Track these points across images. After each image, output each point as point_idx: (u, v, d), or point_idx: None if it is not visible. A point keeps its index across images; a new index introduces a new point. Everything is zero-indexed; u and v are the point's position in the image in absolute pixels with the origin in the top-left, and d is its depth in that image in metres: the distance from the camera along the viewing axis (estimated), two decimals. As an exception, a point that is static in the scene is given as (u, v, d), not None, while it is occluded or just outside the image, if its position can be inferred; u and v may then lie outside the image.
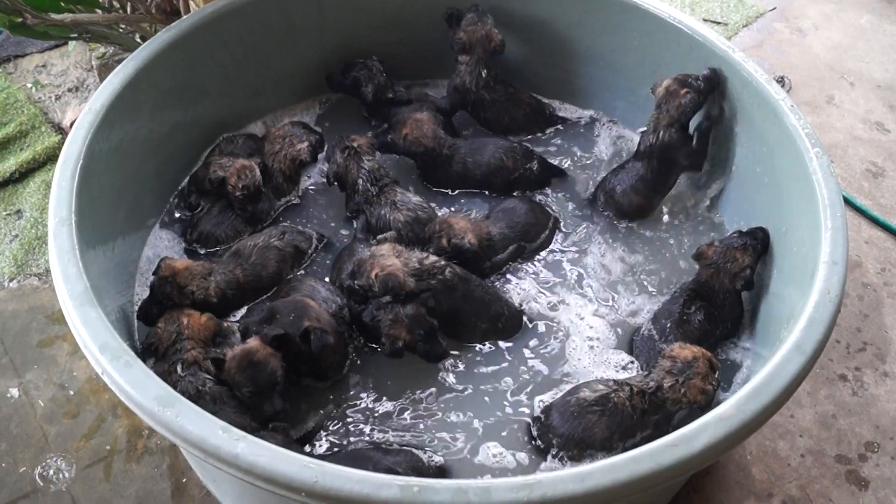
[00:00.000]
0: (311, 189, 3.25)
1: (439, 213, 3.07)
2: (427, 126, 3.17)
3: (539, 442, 2.49)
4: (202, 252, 3.00)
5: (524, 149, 3.27)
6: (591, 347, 2.75)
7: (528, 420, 2.57)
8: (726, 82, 2.93)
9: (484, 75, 3.30)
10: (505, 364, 2.71)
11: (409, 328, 2.57)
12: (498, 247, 2.92)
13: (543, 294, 2.90)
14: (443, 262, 2.71)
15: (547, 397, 2.60)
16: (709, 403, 2.37)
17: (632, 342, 2.77)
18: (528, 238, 2.99)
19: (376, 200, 2.99)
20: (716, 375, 2.42)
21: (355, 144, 3.06)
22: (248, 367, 2.40)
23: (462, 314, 2.70)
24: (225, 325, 2.70)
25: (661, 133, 2.98)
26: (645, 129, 3.06)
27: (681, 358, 2.42)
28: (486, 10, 3.28)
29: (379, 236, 2.82)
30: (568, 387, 2.59)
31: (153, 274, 2.70)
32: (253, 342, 2.46)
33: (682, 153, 3.01)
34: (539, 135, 3.47)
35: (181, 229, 3.07)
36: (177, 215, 3.13)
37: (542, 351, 2.75)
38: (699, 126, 3.04)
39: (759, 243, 2.73)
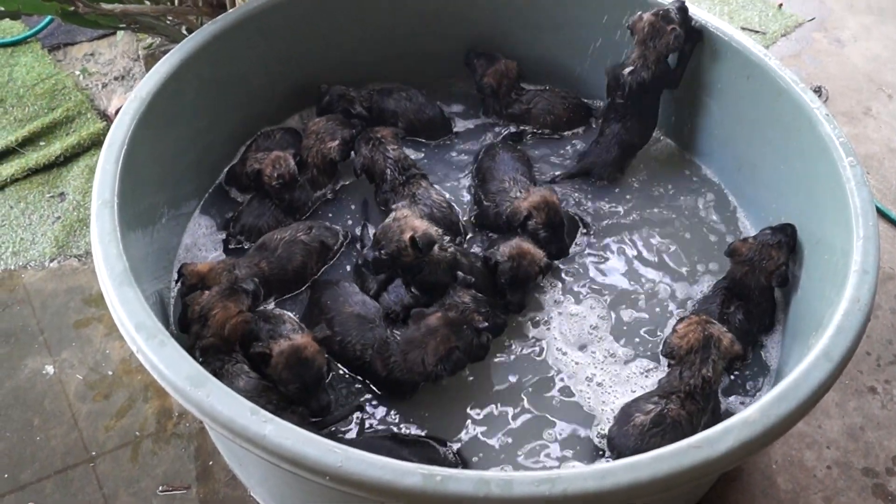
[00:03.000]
0: (346, 185, 3.29)
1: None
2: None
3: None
4: (246, 246, 3.01)
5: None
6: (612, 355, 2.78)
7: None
8: (761, 89, 2.94)
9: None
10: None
11: (475, 310, 2.60)
12: None
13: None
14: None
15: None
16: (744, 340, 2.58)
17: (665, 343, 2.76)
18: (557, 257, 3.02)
19: (400, 190, 3.04)
20: (717, 324, 2.51)
21: (379, 135, 3.13)
22: (297, 364, 2.40)
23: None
24: (269, 308, 2.75)
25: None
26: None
27: (694, 341, 2.46)
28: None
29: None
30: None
31: (178, 282, 2.72)
32: (300, 338, 2.46)
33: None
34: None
35: (221, 222, 3.12)
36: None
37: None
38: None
39: (790, 239, 2.76)
